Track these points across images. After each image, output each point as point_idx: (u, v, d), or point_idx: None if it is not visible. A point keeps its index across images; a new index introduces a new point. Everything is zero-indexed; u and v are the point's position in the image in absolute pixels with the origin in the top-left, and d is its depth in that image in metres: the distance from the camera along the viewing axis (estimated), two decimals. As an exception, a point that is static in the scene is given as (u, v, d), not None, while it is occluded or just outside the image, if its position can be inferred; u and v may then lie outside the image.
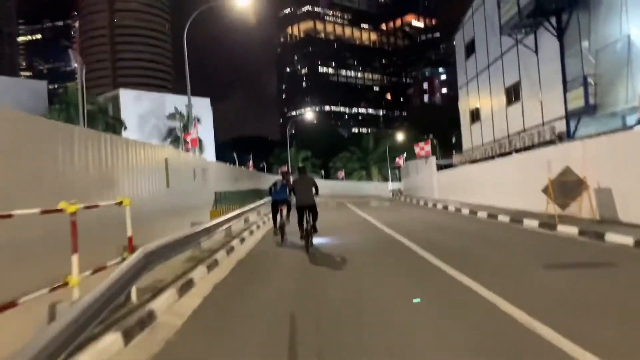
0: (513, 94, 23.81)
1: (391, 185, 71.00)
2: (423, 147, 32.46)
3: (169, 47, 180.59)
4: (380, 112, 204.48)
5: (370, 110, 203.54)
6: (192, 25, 20.70)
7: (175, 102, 60.79)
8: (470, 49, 28.75)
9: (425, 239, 12.09)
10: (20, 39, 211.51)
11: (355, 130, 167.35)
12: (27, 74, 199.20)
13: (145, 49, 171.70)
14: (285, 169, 16.81)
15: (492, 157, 24.92)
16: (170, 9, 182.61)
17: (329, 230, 15.00)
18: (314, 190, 11.88)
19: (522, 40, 21.07)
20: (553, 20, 18.47)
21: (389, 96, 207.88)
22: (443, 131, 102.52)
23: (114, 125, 53.25)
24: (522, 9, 18.58)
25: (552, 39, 19.07)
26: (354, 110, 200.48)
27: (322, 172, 78.42)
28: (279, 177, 14.51)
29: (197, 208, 17.66)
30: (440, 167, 30.80)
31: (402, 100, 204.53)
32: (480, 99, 27.66)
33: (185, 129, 56.72)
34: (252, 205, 18.74)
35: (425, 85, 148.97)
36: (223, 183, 25.81)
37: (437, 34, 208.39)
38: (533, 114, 21.36)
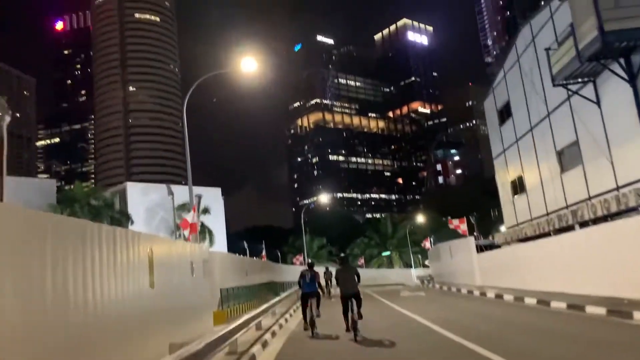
0: (569, 156, 20.05)
1: (415, 272, 65.97)
2: (459, 226, 28.36)
3: (181, 143, 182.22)
4: (393, 197, 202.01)
5: (383, 195, 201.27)
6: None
7: (185, 193, 57.62)
8: (505, 113, 25.43)
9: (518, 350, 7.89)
10: (40, 143, 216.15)
11: (369, 215, 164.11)
12: (45, 176, 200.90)
13: (158, 146, 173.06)
14: (311, 263, 15.04)
15: (548, 234, 20.89)
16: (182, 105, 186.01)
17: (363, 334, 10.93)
18: (356, 279, 11.87)
19: (579, 90, 17.67)
20: (621, 61, 15.18)
21: (400, 180, 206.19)
22: (464, 211, 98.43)
23: (120, 219, 49.85)
24: (581, 52, 15.32)
25: (619, 85, 15.66)
26: (366, 196, 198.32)
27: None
28: (304, 268, 14.01)
29: (195, 311, 13.50)
30: (479, 249, 26.55)
31: (414, 184, 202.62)
32: (523, 167, 23.94)
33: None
34: (265, 306, 14.56)
35: (439, 166, 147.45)
36: (231, 277, 21.69)
37: (444, 119, 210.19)
38: (601, 178, 17.51)
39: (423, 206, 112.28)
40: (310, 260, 19.81)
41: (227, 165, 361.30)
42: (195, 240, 20.05)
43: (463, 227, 28.04)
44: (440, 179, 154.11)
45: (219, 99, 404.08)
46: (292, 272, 47.19)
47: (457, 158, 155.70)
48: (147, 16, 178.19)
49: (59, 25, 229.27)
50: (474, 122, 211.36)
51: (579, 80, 17.31)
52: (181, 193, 58.52)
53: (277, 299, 19.52)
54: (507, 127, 25.29)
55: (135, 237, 9.86)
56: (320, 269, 14.76)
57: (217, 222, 56.60)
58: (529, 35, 21.91)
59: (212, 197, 58.64)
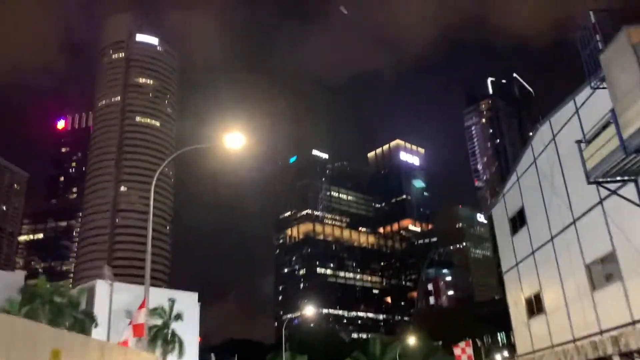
0: (602, 271, 16.77)
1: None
2: (464, 350, 24.32)
3: (167, 246, 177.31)
4: (381, 317, 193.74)
5: (370, 314, 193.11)
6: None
7: (160, 296, 52.89)
8: (518, 221, 22.45)
9: None
10: (22, 237, 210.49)
11: (355, 335, 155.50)
12: (23, 272, 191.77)
13: (144, 248, 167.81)
14: None
15: (578, 365, 17.03)
16: (174, 210, 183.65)
17: None
18: None
19: (617, 190, 14.88)
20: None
21: (389, 299, 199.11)
22: (456, 336, 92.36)
23: (83, 321, 44.79)
24: (626, 141, 12.70)
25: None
26: (353, 314, 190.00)
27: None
28: None
29: None
30: None
31: (402, 304, 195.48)
32: (542, 283, 20.48)
33: (166, 327, 48.08)
34: None
35: (430, 286, 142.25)
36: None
37: (434, 239, 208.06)
38: (648, 297, 14.21)
39: (413, 327, 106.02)
40: None
41: (211, 271, 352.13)
42: (143, 346, 16.02)
43: (469, 351, 23.98)
44: (432, 300, 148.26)
45: (212, 203, 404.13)
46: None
47: (448, 278, 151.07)
48: (148, 120, 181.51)
49: (61, 124, 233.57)
50: (464, 244, 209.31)
51: (618, 178, 14.57)
52: (154, 296, 53.85)
53: None
54: (520, 237, 22.19)
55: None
56: None
57: (190, 331, 51.16)
58: (549, 133, 19.59)
59: (187, 302, 53.57)
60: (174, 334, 47.48)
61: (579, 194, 17.38)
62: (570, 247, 18.24)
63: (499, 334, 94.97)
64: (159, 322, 48.64)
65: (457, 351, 24.11)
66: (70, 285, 51.57)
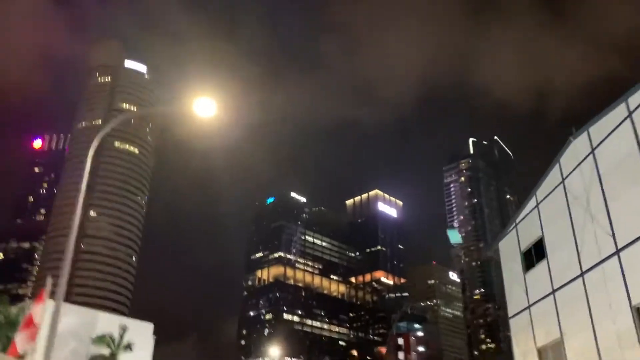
0: (657, 313, 13.13)
1: None
2: None
3: (132, 278, 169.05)
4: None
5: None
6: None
7: (110, 323, 47.29)
8: (534, 255, 18.79)
9: None
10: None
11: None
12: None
13: (107, 277, 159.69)
14: None
15: None
16: (142, 241, 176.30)
17: None
18: None
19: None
20: None
21: (355, 352, 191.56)
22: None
23: (19, 343, 39.02)
24: None
25: None
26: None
27: None
28: None
29: None
30: None
31: (368, 358, 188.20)
32: (563, 329, 16.65)
33: (114, 358, 42.50)
34: None
35: (401, 341, 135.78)
36: None
37: (406, 294, 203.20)
38: None
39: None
40: None
41: (174, 308, 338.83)
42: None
43: None
44: (401, 355, 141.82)
45: (181, 241, 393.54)
46: None
47: (420, 334, 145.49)
48: (127, 146, 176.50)
49: (37, 144, 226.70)
50: (435, 301, 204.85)
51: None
52: (104, 322, 48.19)
53: None
54: (536, 274, 18.48)
55: None
56: None
57: (140, 364, 45.55)
58: (585, 147, 16.24)
59: (141, 333, 48.01)
60: (120, 367, 42.04)
61: (627, 217, 13.92)
62: (610, 284, 14.59)
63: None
64: (105, 351, 43.11)
65: None
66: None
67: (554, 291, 17.33)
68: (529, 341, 18.79)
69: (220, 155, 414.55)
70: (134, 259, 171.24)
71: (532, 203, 19.45)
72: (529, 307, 18.82)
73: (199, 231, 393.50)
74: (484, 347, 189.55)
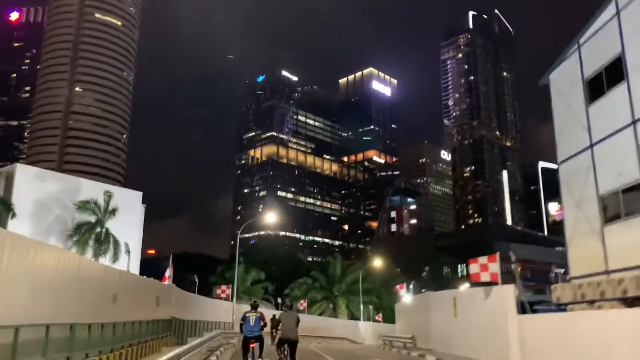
0: None
1: (363, 325, 53.76)
2: (486, 266, 17.13)
3: (123, 155, 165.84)
4: (336, 243, 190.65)
5: (327, 240, 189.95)
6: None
7: (95, 189, 43.87)
8: (606, 80, 14.48)
9: None
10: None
11: (309, 258, 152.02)
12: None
13: (96, 153, 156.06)
14: (256, 303, 12.56)
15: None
16: (131, 117, 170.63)
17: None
18: (296, 325, 11.83)
19: None
20: None
21: (346, 227, 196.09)
22: (417, 265, 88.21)
23: (-2, 211, 36.04)
24: None
25: None
26: (310, 238, 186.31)
27: (276, 300, 60.30)
28: (246, 309, 12.74)
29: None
30: (521, 309, 15.32)
31: (359, 232, 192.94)
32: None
33: (100, 224, 39.56)
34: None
35: (394, 213, 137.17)
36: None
37: (397, 172, 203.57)
38: None
39: (372, 253, 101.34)
40: (255, 301, 14.04)
41: (169, 186, 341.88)
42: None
43: (494, 267, 16.55)
44: (394, 227, 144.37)
45: (173, 117, 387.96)
46: (212, 308, 34.00)
47: (413, 207, 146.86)
48: (108, 18, 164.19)
49: (14, 16, 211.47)
50: (425, 179, 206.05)
51: None
52: (87, 189, 44.81)
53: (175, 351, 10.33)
54: (605, 105, 14.37)
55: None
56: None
57: (130, 233, 42.91)
58: None
59: (128, 200, 44.93)
60: (108, 234, 39.21)
61: None
62: None
63: (459, 265, 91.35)
64: (91, 218, 40.11)
65: (474, 268, 16.59)
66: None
67: (634, 121, 13.27)
68: (587, 188, 15.11)
69: (208, 31, 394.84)
70: (124, 136, 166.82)
71: (607, 13, 14.74)
72: (591, 146, 14.91)
73: (190, 110, 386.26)
74: (471, 221, 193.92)
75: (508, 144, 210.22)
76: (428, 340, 22.50)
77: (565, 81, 16.55)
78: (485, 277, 17.71)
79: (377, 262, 59.01)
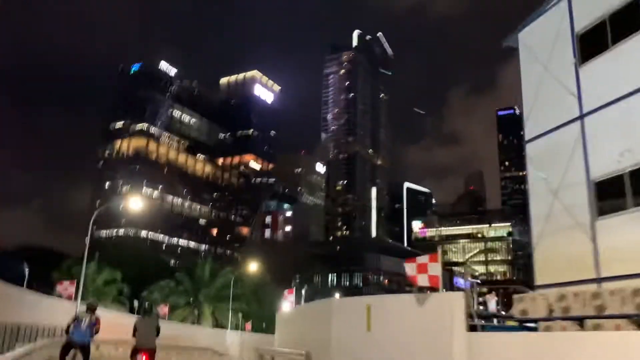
0: None
1: (230, 335, 48.11)
2: (425, 266, 13.29)
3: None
4: (203, 247, 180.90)
5: (192, 243, 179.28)
6: None
7: None
8: (610, 32, 11.06)
9: None
10: None
11: (172, 262, 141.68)
12: None
13: None
14: (93, 305, 11.21)
15: None
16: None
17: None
18: (155, 332, 10.98)
19: None
20: None
21: (215, 231, 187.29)
22: (288, 271, 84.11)
23: None
24: None
25: None
26: (174, 240, 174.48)
27: (132, 303, 52.22)
28: (81, 310, 11.81)
29: None
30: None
31: (228, 237, 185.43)
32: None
33: None
34: None
35: (269, 219, 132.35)
36: None
37: (273, 180, 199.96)
38: None
39: (242, 258, 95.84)
40: (91, 303, 11.71)
41: (16, 175, 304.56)
42: None
43: (435, 269, 13.26)
44: (267, 233, 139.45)
45: (29, 103, 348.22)
46: (47, 308, 26.29)
47: (289, 214, 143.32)
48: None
49: None
50: (299, 189, 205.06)
51: None
52: None
53: None
54: (607, 64, 10.95)
55: None
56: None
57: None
58: None
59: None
60: None
61: None
62: None
63: (329, 275, 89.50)
64: None
65: (410, 269, 12.85)
66: None
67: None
68: (571, 170, 11.58)
69: (85, 9, 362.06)
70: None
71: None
72: (581, 117, 11.44)
73: (52, 91, 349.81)
74: (339, 233, 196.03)
75: (379, 162, 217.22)
76: (327, 357, 17.95)
77: (542, 39, 13.16)
78: (423, 280, 13.73)
79: (253, 266, 53.78)
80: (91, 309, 11.13)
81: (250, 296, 59.46)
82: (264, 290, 65.18)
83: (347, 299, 18.75)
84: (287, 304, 36.90)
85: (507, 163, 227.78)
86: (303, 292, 47.68)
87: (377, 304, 15.94)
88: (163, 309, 42.72)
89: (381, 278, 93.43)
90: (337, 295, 68.27)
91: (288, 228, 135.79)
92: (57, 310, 27.27)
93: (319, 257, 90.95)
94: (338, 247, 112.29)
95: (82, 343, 10.57)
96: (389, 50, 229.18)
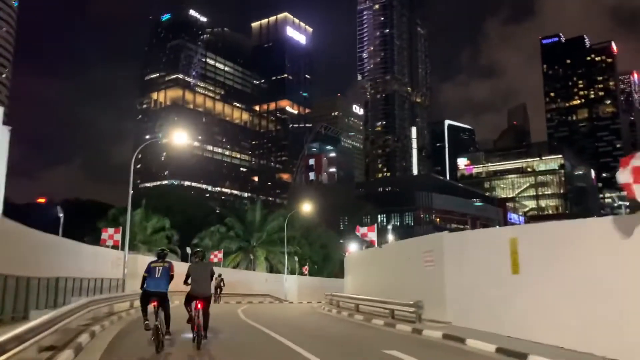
0: None
1: (288, 280, 45.22)
2: (366, 234, 11.75)
3: (5, 91, 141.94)
4: (245, 195, 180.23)
5: (235, 191, 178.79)
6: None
7: None
8: None
9: None
10: None
11: (218, 210, 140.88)
12: None
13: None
14: (164, 252, 9.83)
15: None
16: (15, 48, 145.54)
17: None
18: (210, 279, 9.92)
19: None
20: None
21: (256, 179, 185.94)
22: (337, 214, 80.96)
23: None
24: None
25: None
26: (217, 189, 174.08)
27: (184, 250, 49.78)
28: (144, 260, 11.17)
29: None
30: None
31: (269, 184, 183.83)
32: None
33: None
34: None
35: (312, 161, 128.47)
36: None
37: (310, 125, 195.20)
38: None
39: (288, 202, 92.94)
40: (162, 249, 10.20)
41: (60, 131, 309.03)
42: None
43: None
44: (312, 175, 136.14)
45: (65, 58, 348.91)
46: (92, 259, 23.13)
47: (332, 155, 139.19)
48: None
49: None
50: (339, 130, 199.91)
51: None
52: None
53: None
54: None
55: None
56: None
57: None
58: None
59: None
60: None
61: None
62: None
63: (379, 215, 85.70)
64: None
65: (622, 176, 8.35)
66: None
67: None
68: None
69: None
70: (7, 70, 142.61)
71: None
72: None
73: (85, 47, 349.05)
74: (379, 175, 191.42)
75: (418, 100, 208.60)
76: (439, 309, 13.83)
77: None
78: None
79: (305, 207, 50.15)
80: (162, 257, 9.75)
81: (301, 239, 56.48)
82: (316, 233, 62.13)
83: (469, 232, 14.44)
84: (354, 246, 33.19)
85: (552, 94, 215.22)
86: (390, 226, 43.71)
87: (530, 235, 11.50)
88: (217, 255, 39.80)
89: (433, 216, 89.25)
90: (389, 236, 64.58)
91: (332, 169, 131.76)
92: (103, 259, 24.19)
93: (365, 197, 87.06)
94: (388, 187, 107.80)
95: (159, 293, 9.18)
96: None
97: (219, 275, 29.66)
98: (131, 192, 24.62)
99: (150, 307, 9.26)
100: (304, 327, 14.83)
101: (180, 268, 10.64)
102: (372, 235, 18.61)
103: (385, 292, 16.95)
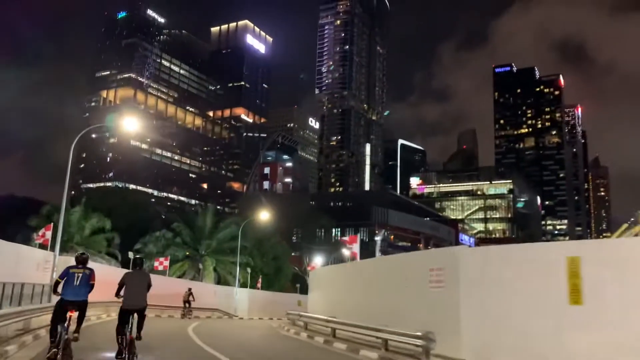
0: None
1: (238, 292, 41.58)
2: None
3: None
4: (193, 202, 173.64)
5: (182, 198, 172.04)
6: None
7: None
8: None
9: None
10: None
11: (164, 216, 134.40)
12: None
13: None
14: (84, 256, 8.65)
15: None
16: None
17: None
18: (146, 290, 8.84)
19: None
20: None
21: (205, 186, 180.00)
22: (291, 225, 77.60)
23: None
24: None
25: None
26: (164, 194, 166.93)
27: (126, 256, 45.16)
28: (71, 264, 8.66)
29: None
30: None
31: (219, 192, 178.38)
32: None
33: None
34: None
35: (267, 170, 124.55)
36: None
37: (264, 135, 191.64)
38: None
39: (239, 211, 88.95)
40: (82, 253, 8.87)
41: (6, 125, 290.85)
42: None
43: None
44: (266, 184, 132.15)
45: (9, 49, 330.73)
46: (14, 259, 18.94)
47: (289, 164, 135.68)
48: None
49: None
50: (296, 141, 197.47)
51: None
52: None
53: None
54: None
55: None
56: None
57: None
58: None
59: None
60: None
61: None
62: None
63: (333, 229, 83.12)
64: None
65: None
66: None
67: None
68: None
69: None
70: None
71: None
72: None
73: (33, 40, 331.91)
74: (332, 189, 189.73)
75: (374, 117, 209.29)
76: (451, 341, 10.98)
77: None
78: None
79: (263, 216, 46.81)
80: (82, 262, 8.57)
81: (254, 250, 52.93)
82: (269, 244, 58.63)
83: (493, 248, 11.66)
84: (318, 259, 30.41)
85: (502, 121, 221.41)
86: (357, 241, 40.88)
87: (596, 253, 8.88)
88: (163, 262, 35.77)
89: (386, 234, 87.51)
90: (344, 250, 61.86)
91: (288, 179, 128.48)
92: (27, 261, 20.03)
93: (320, 209, 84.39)
94: (344, 202, 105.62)
95: (79, 302, 8.15)
96: (387, 1, 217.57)
97: (189, 289, 29.17)
98: (68, 181, 20.87)
99: (67, 318, 8.09)
100: (276, 358, 11.68)
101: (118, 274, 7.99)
102: (355, 247, 15.88)
103: (372, 316, 14.04)
